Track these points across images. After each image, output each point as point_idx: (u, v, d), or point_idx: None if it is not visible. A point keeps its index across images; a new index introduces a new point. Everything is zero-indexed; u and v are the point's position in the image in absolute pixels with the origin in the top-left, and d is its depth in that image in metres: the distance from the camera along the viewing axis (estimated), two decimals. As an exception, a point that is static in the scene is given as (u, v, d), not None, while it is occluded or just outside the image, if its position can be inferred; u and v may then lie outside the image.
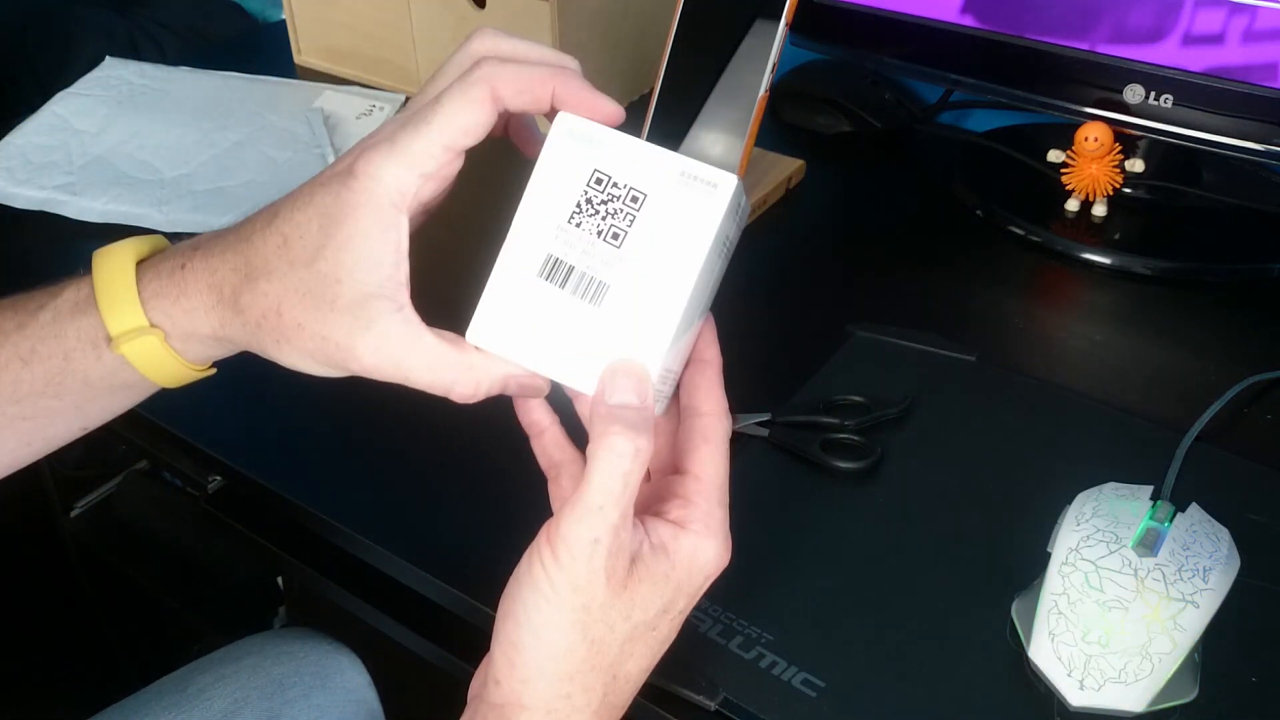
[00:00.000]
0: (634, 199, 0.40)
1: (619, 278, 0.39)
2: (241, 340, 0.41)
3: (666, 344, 0.39)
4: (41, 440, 0.45)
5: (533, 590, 0.37)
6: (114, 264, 0.41)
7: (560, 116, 0.41)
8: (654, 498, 0.40)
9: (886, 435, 0.56)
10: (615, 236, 0.40)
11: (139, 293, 0.40)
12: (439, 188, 0.41)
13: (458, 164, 0.41)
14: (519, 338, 0.40)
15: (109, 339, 0.40)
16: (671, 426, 0.42)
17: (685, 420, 0.41)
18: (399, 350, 0.39)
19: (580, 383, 0.39)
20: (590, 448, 0.36)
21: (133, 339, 0.40)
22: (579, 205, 0.40)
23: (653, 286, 0.39)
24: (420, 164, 0.39)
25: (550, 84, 0.41)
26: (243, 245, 0.40)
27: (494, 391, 0.41)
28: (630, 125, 0.43)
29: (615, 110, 0.43)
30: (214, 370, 0.44)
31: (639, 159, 0.40)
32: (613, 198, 0.40)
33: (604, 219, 0.40)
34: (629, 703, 0.40)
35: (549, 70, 0.41)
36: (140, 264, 0.41)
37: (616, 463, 0.36)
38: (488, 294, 0.40)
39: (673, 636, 0.40)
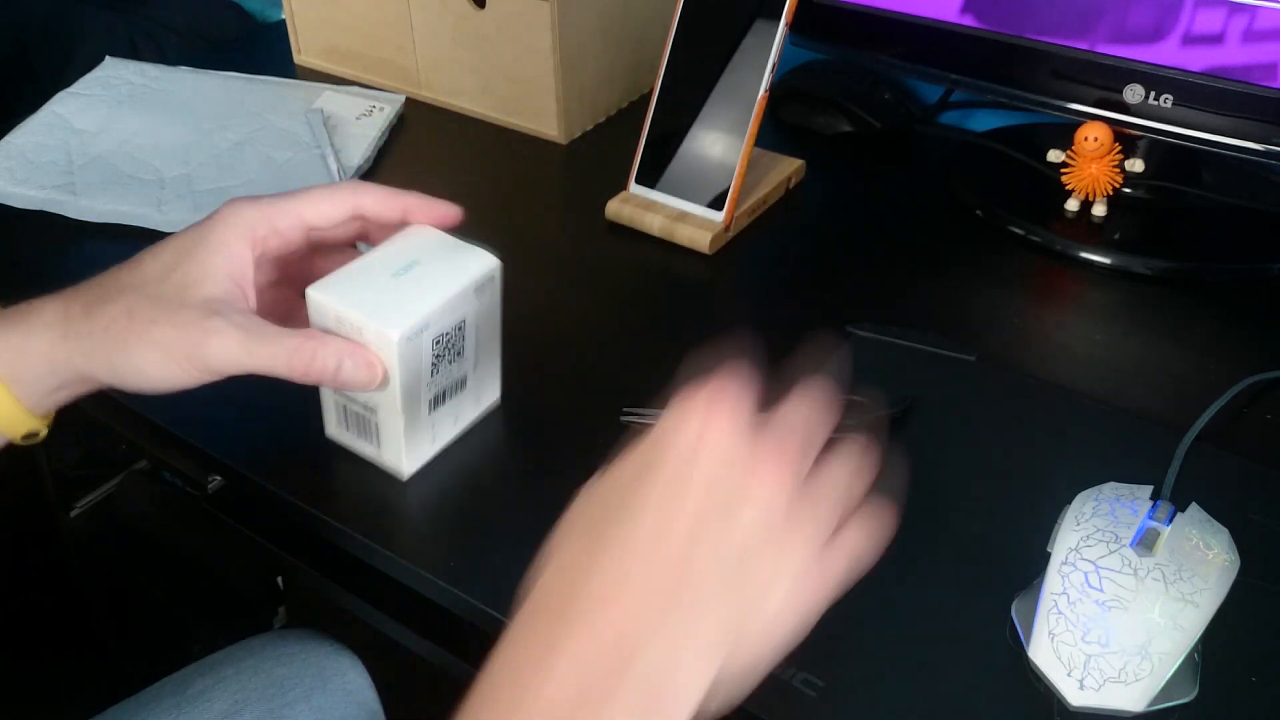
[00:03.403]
0: (459, 328, 0.51)
1: (469, 365, 0.53)
2: (87, 355, 0.43)
3: (499, 369, 0.56)
4: None
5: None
6: None
7: (312, 291, 0.49)
8: None
9: (886, 435, 0.56)
10: (458, 352, 0.52)
11: None
12: (281, 250, 0.48)
13: (300, 237, 0.49)
14: (432, 447, 0.54)
15: None
16: None
17: None
18: (248, 333, 0.44)
19: (465, 423, 0.56)
20: None
21: None
22: (434, 360, 0.50)
23: (485, 348, 0.54)
24: (273, 218, 0.47)
25: (403, 201, 0.50)
26: (96, 280, 0.45)
27: (328, 368, 0.46)
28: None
29: (453, 213, 0.51)
30: (42, 436, 0.47)
31: (451, 304, 0.49)
32: (449, 341, 0.51)
33: (450, 352, 0.51)
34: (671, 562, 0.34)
35: (404, 193, 0.51)
36: None
37: None
38: (406, 449, 0.52)
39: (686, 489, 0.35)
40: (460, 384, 0.53)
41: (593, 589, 0.34)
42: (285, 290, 0.51)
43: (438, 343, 0.50)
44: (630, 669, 0.32)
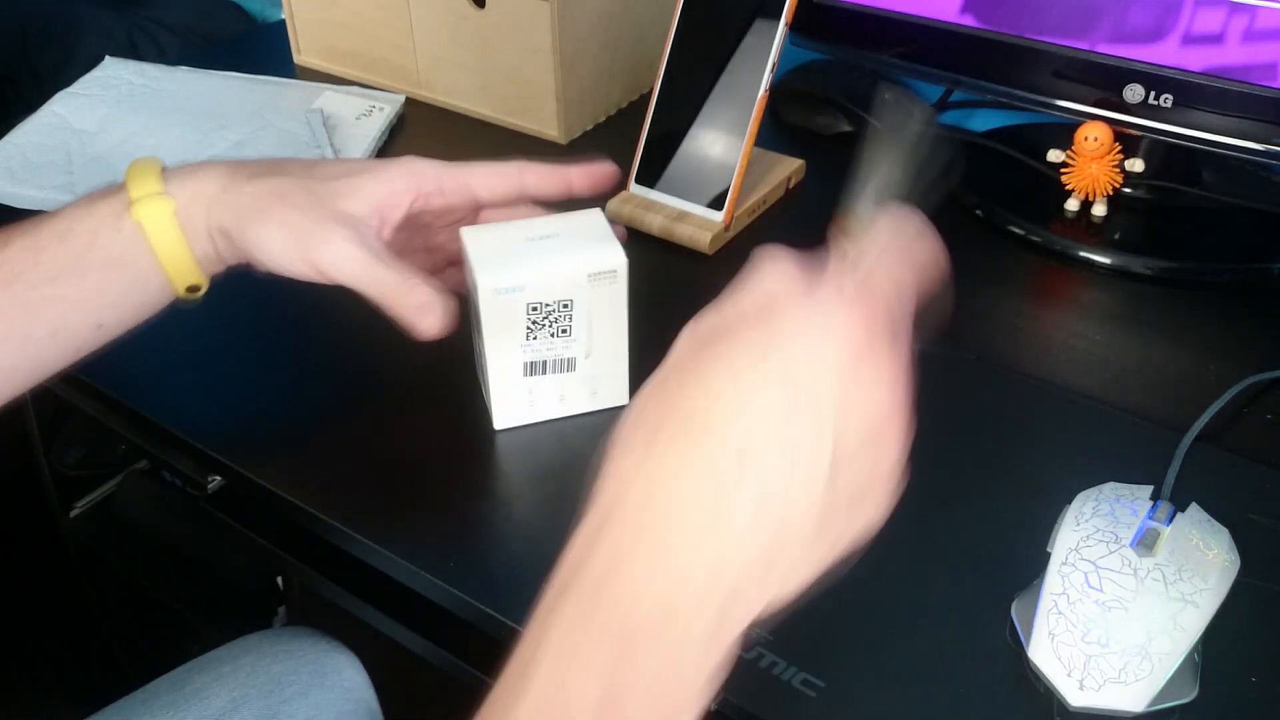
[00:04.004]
0: (564, 306, 0.52)
1: (580, 349, 0.54)
2: (235, 211, 0.47)
3: (624, 374, 0.56)
4: (65, 334, 0.48)
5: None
6: (144, 160, 0.49)
7: (464, 232, 0.53)
8: None
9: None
10: (564, 331, 0.53)
11: (161, 172, 0.48)
12: (442, 209, 0.53)
13: (462, 202, 0.53)
14: (530, 411, 0.56)
15: (129, 204, 0.47)
16: None
17: None
18: (362, 254, 0.47)
19: (577, 408, 0.56)
20: None
21: (148, 202, 0.47)
22: (529, 325, 0.52)
23: (604, 343, 0.54)
24: (442, 179, 0.51)
25: (565, 176, 0.54)
26: (273, 158, 0.51)
27: (414, 299, 0.47)
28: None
29: (610, 170, 0.55)
30: (202, 292, 0.50)
31: (554, 279, 0.51)
32: (550, 314, 0.52)
33: (551, 326, 0.53)
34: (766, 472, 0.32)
35: (566, 167, 0.54)
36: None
37: None
38: (495, 400, 0.54)
39: (784, 384, 0.32)
40: (568, 364, 0.54)
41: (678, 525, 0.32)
42: (423, 255, 0.55)
43: (534, 309, 0.52)
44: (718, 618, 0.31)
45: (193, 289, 0.50)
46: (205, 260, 0.49)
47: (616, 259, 0.52)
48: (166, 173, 0.48)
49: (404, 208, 0.50)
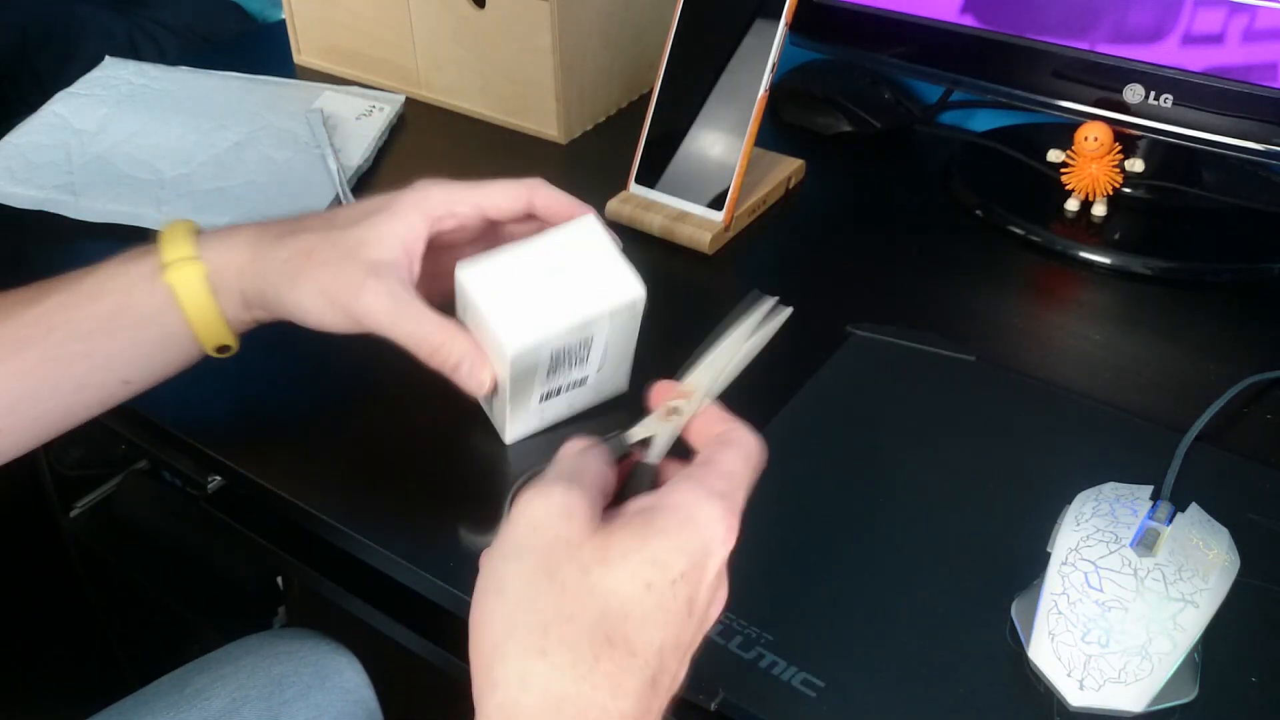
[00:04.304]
0: (584, 343, 0.51)
1: (593, 368, 0.54)
2: (266, 278, 0.48)
3: (628, 369, 0.56)
4: (93, 388, 0.49)
5: (490, 555, 0.35)
6: (177, 224, 0.50)
7: (462, 273, 0.50)
8: None
9: (885, 434, 0.56)
10: (581, 360, 0.52)
11: (193, 237, 0.49)
12: (456, 231, 0.52)
13: (475, 222, 0.52)
14: (539, 423, 0.55)
15: (162, 267, 0.48)
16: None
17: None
18: (395, 301, 0.47)
19: (581, 408, 0.57)
20: None
21: (180, 267, 0.48)
22: (550, 368, 0.51)
23: (615, 357, 0.54)
24: (453, 202, 0.51)
25: (577, 211, 0.52)
26: (294, 216, 0.51)
27: (447, 364, 0.49)
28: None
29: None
30: (232, 352, 0.51)
31: (579, 327, 0.50)
32: (570, 353, 0.51)
33: (570, 362, 0.52)
34: (657, 689, 0.34)
35: (581, 204, 0.53)
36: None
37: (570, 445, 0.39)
38: (508, 426, 0.54)
39: (691, 614, 0.35)
40: (579, 383, 0.54)
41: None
42: (450, 263, 0.55)
43: (556, 355, 0.50)
44: None
45: (222, 349, 0.51)
46: (236, 322, 0.50)
47: (636, 290, 0.50)
48: (201, 237, 0.49)
49: (424, 239, 0.50)
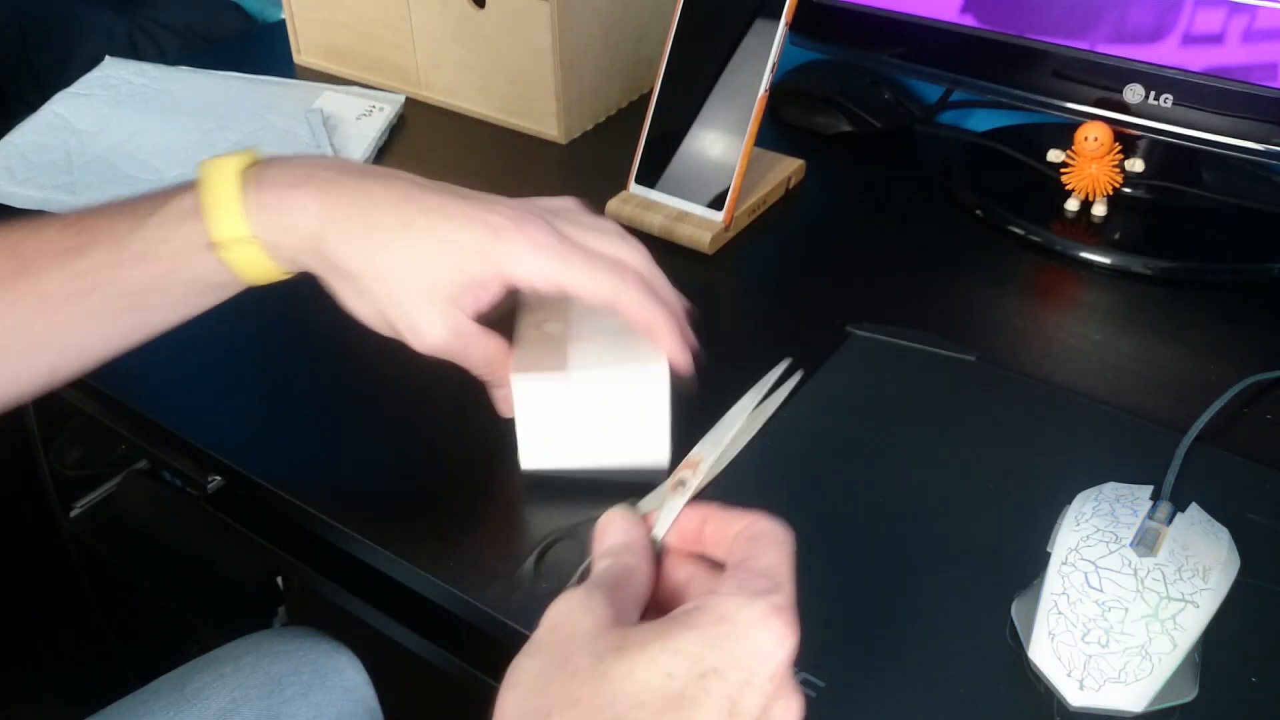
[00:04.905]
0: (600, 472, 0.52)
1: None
2: (326, 262, 0.46)
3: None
4: (146, 329, 0.49)
5: (518, 657, 0.33)
6: (220, 176, 0.46)
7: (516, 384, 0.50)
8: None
9: (885, 434, 0.56)
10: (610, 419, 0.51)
11: (242, 203, 0.45)
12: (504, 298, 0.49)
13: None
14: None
15: (212, 244, 0.45)
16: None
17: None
18: (459, 331, 0.47)
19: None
20: None
21: (235, 247, 0.45)
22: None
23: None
24: (541, 284, 0.47)
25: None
26: (361, 181, 0.47)
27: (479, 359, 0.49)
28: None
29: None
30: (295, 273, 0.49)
31: (597, 470, 0.51)
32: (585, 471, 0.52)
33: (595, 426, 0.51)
34: None
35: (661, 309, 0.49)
36: (246, 171, 0.46)
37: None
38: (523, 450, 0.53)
39: (733, 716, 0.31)
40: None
41: None
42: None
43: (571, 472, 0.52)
44: None
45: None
46: (294, 268, 0.48)
47: (663, 457, 0.51)
48: (249, 204, 0.45)
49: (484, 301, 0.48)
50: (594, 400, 0.50)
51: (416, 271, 0.45)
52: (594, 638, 0.32)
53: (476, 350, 0.48)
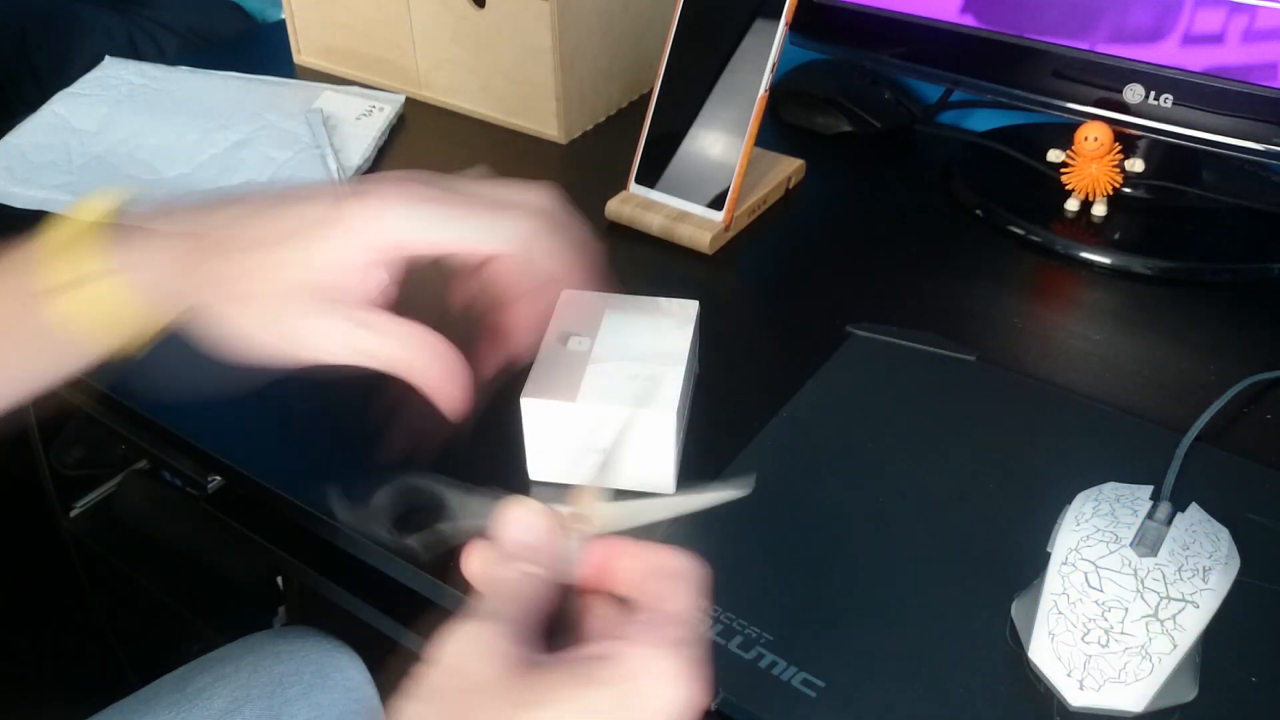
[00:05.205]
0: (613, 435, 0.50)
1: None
2: (200, 286, 0.42)
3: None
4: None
5: (406, 701, 0.31)
6: (71, 223, 0.44)
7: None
8: None
9: (885, 434, 0.56)
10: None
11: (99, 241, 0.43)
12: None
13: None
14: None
15: (62, 285, 0.42)
16: None
17: None
18: (348, 326, 0.42)
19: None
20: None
21: (92, 282, 0.42)
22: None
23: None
24: (412, 242, 0.42)
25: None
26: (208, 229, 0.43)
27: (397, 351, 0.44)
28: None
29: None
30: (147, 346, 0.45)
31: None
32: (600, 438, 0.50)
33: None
34: None
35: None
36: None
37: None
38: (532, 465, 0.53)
39: None
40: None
41: None
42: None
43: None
44: None
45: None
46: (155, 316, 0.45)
47: (668, 488, 0.51)
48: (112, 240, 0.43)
49: (374, 264, 0.42)
50: (599, 431, 0.50)
51: (284, 264, 0.41)
52: (499, 688, 0.30)
53: (391, 341, 0.43)
